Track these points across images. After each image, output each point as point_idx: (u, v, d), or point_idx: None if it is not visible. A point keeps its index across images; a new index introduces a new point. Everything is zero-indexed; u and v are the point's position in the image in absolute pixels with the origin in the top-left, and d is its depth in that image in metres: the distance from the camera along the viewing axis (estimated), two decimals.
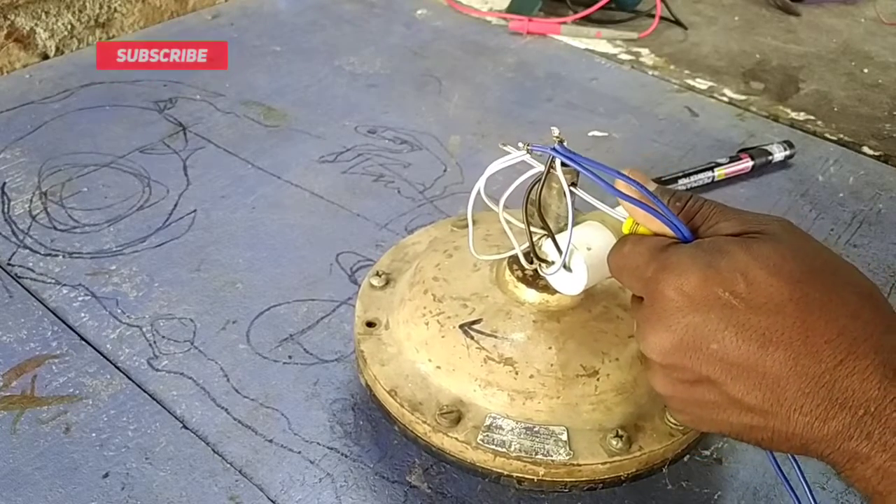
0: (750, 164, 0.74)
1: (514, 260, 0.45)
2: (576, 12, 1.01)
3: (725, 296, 0.31)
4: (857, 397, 0.29)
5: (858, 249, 0.67)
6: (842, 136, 0.83)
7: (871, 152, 0.81)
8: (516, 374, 0.43)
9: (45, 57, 0.87)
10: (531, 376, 0.42)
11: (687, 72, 0.94)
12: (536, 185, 0.40)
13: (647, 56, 0.97)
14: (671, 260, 0.33)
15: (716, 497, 0.47)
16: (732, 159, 0.74)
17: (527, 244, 0.42)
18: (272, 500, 0.44)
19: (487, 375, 0.43)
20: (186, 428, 0.48)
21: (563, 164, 0.38)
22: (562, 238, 0.39)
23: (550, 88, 0.88)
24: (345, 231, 0.65)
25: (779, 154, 0.75)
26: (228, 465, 0.46)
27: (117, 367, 0.51)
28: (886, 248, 0.68)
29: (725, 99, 0.89)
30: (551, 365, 0.43)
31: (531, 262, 0.42)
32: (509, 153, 0.40)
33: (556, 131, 0.38)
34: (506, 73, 0.91)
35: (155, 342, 0.54)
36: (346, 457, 0.47)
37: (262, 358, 0.53)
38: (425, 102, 0.83)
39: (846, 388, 0.29)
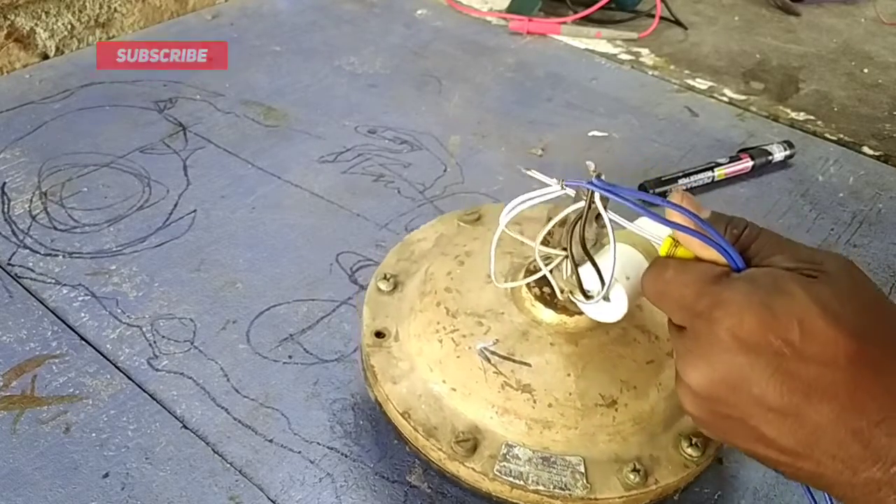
0: (750, 164, 0.74)
1: (534, 292, 0.44)
2: (576, 12, 1.01)
3: (777, 343, 0.30)
4: (892, 455, 0.29)
5: (858, 249, 0.67)
6: (842, 136, 0.83)
7: (871, 152, 0.81)
8: (534, 402, 0.42)
9: (45, 57, 0.87)
10: (550, 405, 0.41)
11: (687, 72, 0.94)
12: (578, 223, 0.38)
13: (647, 56, 0.97)
14: (724, 296, 0.32)
15: (716, 497, 0.47)
16: (732, 159, 0.74)
17: (549, 267, 0.40)
18: (272, 500, 0.44)
19: (505, 402, 0.42)
20: (186, 428, 0.48)
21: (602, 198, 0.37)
22: (590, 267, 0.39)
23: (550, 88, 0.88)
24: (345, 231, 0.65)
25: (779, 154, 0.75)
26: (228, 465, 0.46)
27: (117, 367, 0.51)
28: (886, 248, 0.68)
29: (725, 99, 0.89)
30: (570, 394, 0.42)
31: (562, 292, 0.41)
32: (537, 180, 0.39)
33: (591, 166, 0.37)
34: (506, 73, 0.91)
35: (155, 342, 0.54)
36: (346, 457, 0.47)
37: (262, 358, 0.53)
38: (425, 102, 0.83)
39: (883, 446, 0.29)
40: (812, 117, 0.86)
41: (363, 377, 0.47)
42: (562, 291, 0.41)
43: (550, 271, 0.41)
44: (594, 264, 0.38)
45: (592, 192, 0.37)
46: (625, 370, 0.43)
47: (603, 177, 0.37)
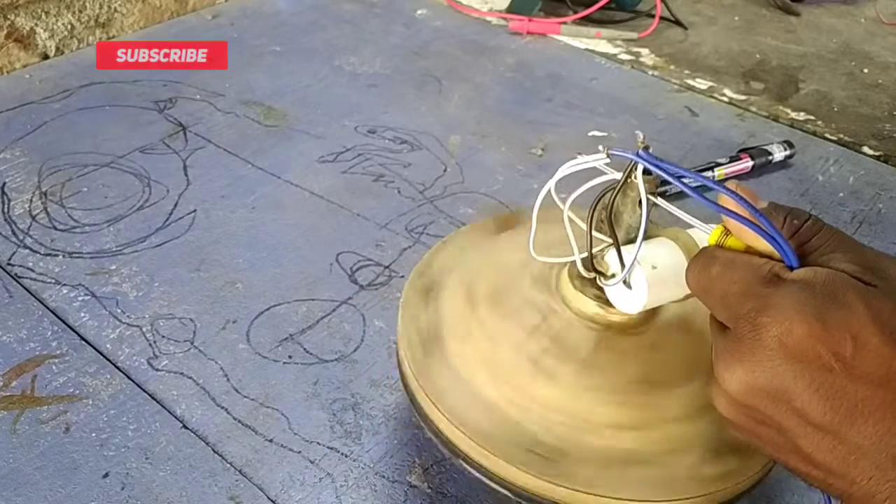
0: (750, 164, 0.74)
1: (577, 275, 0.42)
2: (576, 12, 1.01)
3: (827, 356, 0.28)
4: None
5: None
6: (842, 136, 0.83)
7: (871, 152, 0.81)
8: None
9: (45, 57, 0.87)
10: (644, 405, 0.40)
11: (687, 72, 0.94)
12: (610, 192, 0.37)
13: (647, 56, 0.97)
14: (774, 301, 0.29)
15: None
16: (732, 159, 0.74)
17: (591, 248, 0.38)
18: (272, 500, 0.44)
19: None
20: (186, 428, 0.48)
21: (645, 172, 0.35)
22: (627, 251, 0.37)
23: (550, 88, 0.88)
24: (345, 231, 0.65)
25: (779, 154, 0.75)
26: (228, 465, 0.46)
27: (117, 367, 0.51)
28: (886, 248, 0.68)
29: (725, 99, 0.89)
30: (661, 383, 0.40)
31: (589, 271, 0.39)
32: (585, 159, 0.37)
33: (640, 136, 0.34)
34: (506, 73, 0.91)
35: (155, 342, 0.54)
36: (346, 457, 0.47)
37: (262, 358, 0.53)
38: (425, 102, 0.83)
39: None
40: (812, 117, 0.86)
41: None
42: (587, 272, 0.40)
43: (593, 254, 0.39)
44: (616, 242, 0.36)
45: (634, 165, 0.34)
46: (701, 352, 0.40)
47: (651, 150, 0.34)
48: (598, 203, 0.38)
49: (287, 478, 0.46)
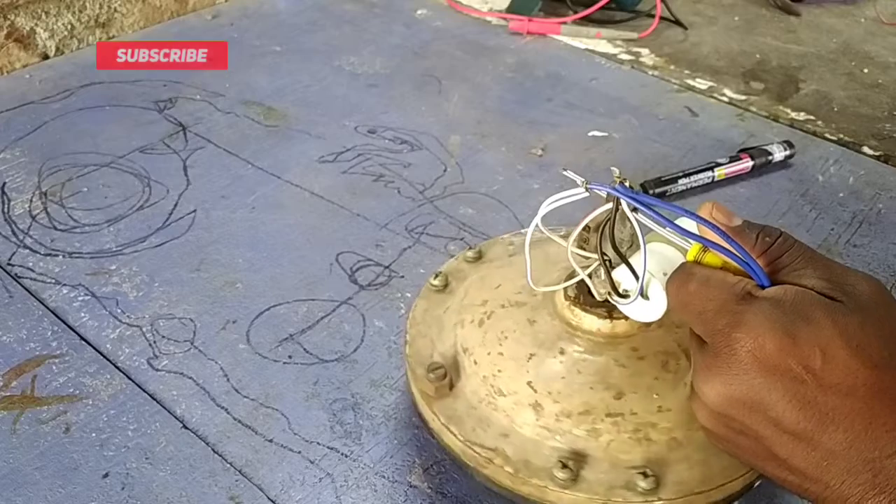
0: (750, 164, 0.74)
1: (570, 296, 0.44)
2: (576, 12, 1.01)
3: (798, 369, 0.30)
4: None
5: (858, 249, 0.67)
6: (842, 136, 0.83)
7: (871, 152, 0.81)
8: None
9: (45, 57, 0.87)
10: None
11: (687, 72, 0.94)
12: (607, 224, 0.39)
13: (647, 56, 0.97)
14: (747, 318, 0.32)
15: None
16: (732, 159, 0.74)
17: (585, 273, 0.41)
18: (272, 500, 0.44)
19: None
20: (186, 428, 0.48)
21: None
22: (633, 265, 0.39)
23: (550, 88, 0.88)
24: (345, 231, 0.65)
25: (779, 154, 0.75)
26: (228, 465, 0.46)
27: (117, 367, 0.51)
28: (886, 248, 0.68)
29: (725, 99, 0.89)
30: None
31: (601, 295, 0.41)
32: (569, 178, 0.39)
33: (616, 171, 0.37)
34: (506, 73, 0.91)
35: (155, 342, 0.54)
36: (346, 457, 0.47)
37: (262, 358, 0.53)
38: (425, 102, 0.83)
39: (892, 476, 0.30)
40: (812, 117, 0.86)
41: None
42: (600, 294, 0.41)
43: (589, 276, 0.41)
44: (627, 263, 0.38)
45: (618, 198, 0.37)
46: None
47: (627, 183, 0.37)
48: (601, 236, 0.39)
49: (287, 478, 0.46)
